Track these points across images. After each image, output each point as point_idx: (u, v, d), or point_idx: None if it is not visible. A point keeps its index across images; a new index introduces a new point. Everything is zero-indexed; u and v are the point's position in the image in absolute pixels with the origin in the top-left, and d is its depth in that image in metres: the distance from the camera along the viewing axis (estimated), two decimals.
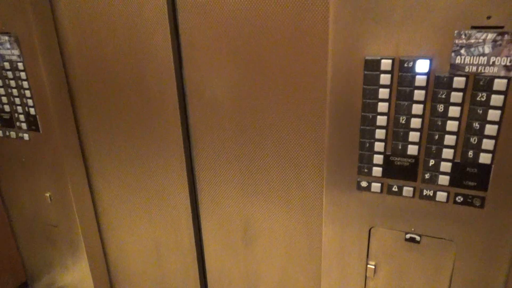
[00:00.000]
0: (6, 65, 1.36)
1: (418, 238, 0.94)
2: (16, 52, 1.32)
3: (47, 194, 1.51)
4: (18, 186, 1.57)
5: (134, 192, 1.46)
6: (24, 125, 1.41)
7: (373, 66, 0.85)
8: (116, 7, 1.20)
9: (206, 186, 1.33)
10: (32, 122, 1.39)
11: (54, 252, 1.65)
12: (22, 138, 1.44)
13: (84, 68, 1.34)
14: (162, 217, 1.45)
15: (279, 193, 1.21)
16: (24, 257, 1.78)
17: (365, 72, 0.86)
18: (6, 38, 1.31)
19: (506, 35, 0.74)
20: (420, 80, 0.82)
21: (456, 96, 0.80)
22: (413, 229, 0.94)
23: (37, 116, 1.36)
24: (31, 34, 1.26)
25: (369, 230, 0.98)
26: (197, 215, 1.40)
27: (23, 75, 1.33)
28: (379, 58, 0.84)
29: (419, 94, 0.83)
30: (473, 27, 0.76)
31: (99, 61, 1.31)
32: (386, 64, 0.83)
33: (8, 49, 1.33)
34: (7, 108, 1.42)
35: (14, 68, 1.35)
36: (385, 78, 0.84)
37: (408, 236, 0.95)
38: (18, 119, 1.42)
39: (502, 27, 0.75)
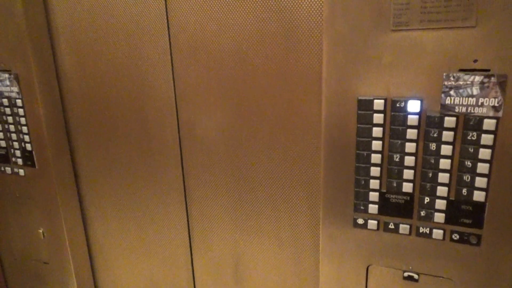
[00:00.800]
0: (5, 101, 1.37)
1: (416, 276, 0.94)
2: (16, 89, 1.34)
3: (40, 230, 1.48)
4: (11, 221, 1.54)
5: (129, 229, 1.44)
6: (20, 161, 1.41)
7: (366, 106, 0.87)
8: (118, 47, 1.24)
9: (198, 223, 1.32)
10: (28, 158, 1.39)
11: None
12: (17, 173, 1.43)
13: (82, 105, 1.36)
14: (158, 255, 1.43)
15: (271, 231, 1.21)
16: None
17: (359, 112, 0.88)
18: (6, 75, 1.33)
19: (492, 78, 0.77)
20: (412, 119, 0.84)
21: (447, 135, 0.83)
22: (411, 268, 0.93)
23: (33, 152, 1.36)
24: (30, 72, 1.29)
25: (367, 268, 0.98)
26: (190, 252, 1.39)
27: (21, 111, 1.35)
28: (371, 98, 0.86)
29: (411, 133, 0.85)
30: (461, 70, 0.80)
31: (98, 98, 1.33)
32: (378, 104, 0.86)
33: (7, 86, 1.35)
34: (3, 143, 1.43)
35: (12, 105, 1.36)
36: (378, 118, 0.87)
37: (406, 274, 0.94)
38: (14, 155, 1.42)
39: (488, 70, 0.78)
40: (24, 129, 1.36)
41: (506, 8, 0.74)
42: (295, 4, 0.99)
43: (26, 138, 1.36)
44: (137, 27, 1.20)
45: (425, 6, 0.80)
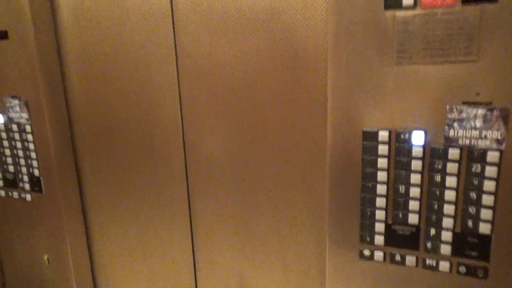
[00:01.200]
0: (14, 127, 1.40)
1: None
2: (25, 115, 1.36)
3: (45, 257, 1.48)
4: (16, 246, 1.55)
5: (135, 256, 1.44)
6: (27, 186, 1.43)
7: (371, 137, 0.88)
8: (126, 72, 1.27)
9: (203, 246, 1.32)
10: (35, 183, 1.40)
11: None
12: (24, 198, 1.44)
13: (90, 130, 1.38)
14: (164, 279, 1.42)
15: (276, 257, 1.20)
16: None
17: (364, 143, 0.89)
18: (16, 102, 1.36)
19: (494, 111, 0.78)
20: (417, 151, 0.85)
21: (452, 167, 0.83)
22: None
23: (41, 178, 1.38)
24: (40, 98, 1.32)
25: None
26: (195, 275, 1.38)
27: (29, 137, 1.37)
28: (376, 130, 0.88)
29: (416, 165, 0.86)
30: (464, 103, 0.81)
31: (106, 123, 1.35)
32: (383, 136, 0.87)
33: (17, 112, 1.38)
34: (11, 168, 1.45)
35: (21, 130, 1.38)
36: (383, 149, 0.88)
37: None
38: (21, 180, 1.43)
39: (490, 103, 0.79)
40: (33, 154, 1.38)
41: (507, 44, 0.76)
42: (301, 34, 1.01)
43: (34, 163, 1.38)
44: (146, 54, 1.23)
45: (427, 40, 0.82)
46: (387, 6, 0.83)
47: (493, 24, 0.76)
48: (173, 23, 1.16)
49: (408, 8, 0.81)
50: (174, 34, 1.17)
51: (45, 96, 1.31)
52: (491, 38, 0.77)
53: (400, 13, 0.82)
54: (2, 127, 1.42)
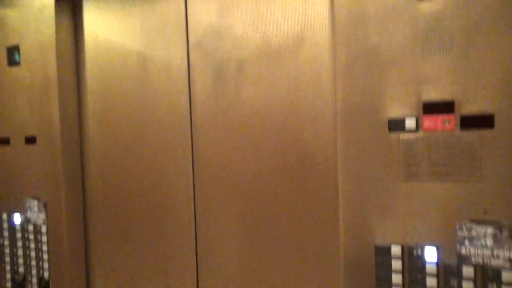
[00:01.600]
0: (30, 227, 1.42)
1: None
2: (42, 216, 1.40)
3: None
4: None
5: None
6: None
7: (383, 252, 0.90)
8: (145, 169, 1.33)
9: None
10: (43, 287, 1.38)
11: None
12: None
13: (106, 232, 1.40)
14: None
15: None
16: None
17: (377, 258, 0.90)
18: (35, 203, 1.41)
19: (504, 230, 0.81)
20: (431, 268, 0.86)
21: (467, 286, 0.83)
22: None
23: (50, 281, 1.37)
24: (59, 200, 1.37)
25: None
26: None
27: (44, 238, 1.39)
28: (388, 244, 0.89)
29: (431, 282, 0.86)
30: (472, 220, 0.84)
31: (122, 222, 1.38)
32: (396, 251, 0.88)
33: (35, 212, 1.42)
34: (21, 270, 1.44)
35: (37, 231, 1.41)
36: (396, 264, 0.88)
37: None
38: (30, 282, 1.42)
39: (498, 222, 0.82)
40: (45, 256, 1.39)
41: (509, 164, 0.81)
42: (311, 145, 1.09)
43: (45, 265, 1.38)
44: (164, 155, 1.30)
45: (432, 160, 0.87)
46: (391, 129, 0.91)
47: (492, 147, 0.82)
48: (191, 128, 1.25)
49: (410, 131, 0.89)
50: (191, 137, 1.26)
51: (65, 198, 1.36)
52: (493, 159, 0.82)
53: (404, 136, 0.90)
54: (18, 227, 1.45)
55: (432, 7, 0.86)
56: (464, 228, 0.84)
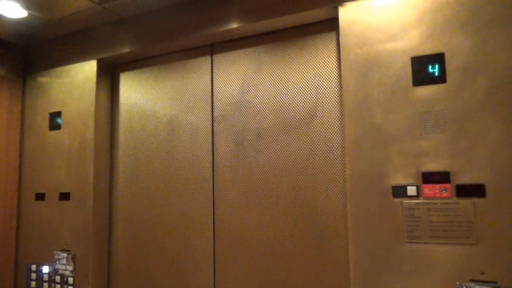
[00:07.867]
0: (57, 278, 1.51)
1: None
2: (70, 267, 1.49)
3: None
4: None
5: None
6: None
7: None
8: (168, 235, 1.43)
9: None
10: None
11: None
12: None
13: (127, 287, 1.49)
14: None
15: None
16: None
17: None
18: (65, 255, 1.51)
19: None
20: None
21: None
22: None
23: None
24: (88, 253, 1.47)
25: None
26: None
27: None
28: None
29: None
30: (472, 280, 0.93)
31: (143, 280, 1.46)
32: None
33: (63, 264, 1.51)
34: None
35: (63, 282, 1.50)
36: None
37: None
38: None
39: (495, 282, 0.91)
40: None
41: (501, 231, 0.91)
42: (323, 212, 1.20)
43: None
44: (187, 221, 1.41)
45: (431, 224, 0.98)
46: (395, 195, 1.02)
47: (485, 214, 0.93)
48: (213, 190, 1.38)
49: (412, 197, 1.01)
50: (213, 205, 1.38)
51: (93, 251, 1.47)
52: (486, 225, 0.93)
53: (406, 201, 1.01)
54: (46, 277, 1.54)
55: (427, 92, 1.01)
56: (465, 287, 0.93)
